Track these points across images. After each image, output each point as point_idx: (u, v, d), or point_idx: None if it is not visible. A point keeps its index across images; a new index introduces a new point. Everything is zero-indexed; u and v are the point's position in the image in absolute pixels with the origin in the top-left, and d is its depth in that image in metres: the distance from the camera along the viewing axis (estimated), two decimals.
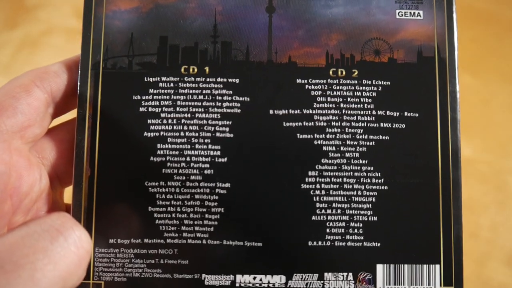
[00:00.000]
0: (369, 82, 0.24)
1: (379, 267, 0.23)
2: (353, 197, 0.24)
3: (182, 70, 0.24)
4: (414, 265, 0.23)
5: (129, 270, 0.23)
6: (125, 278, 0.23)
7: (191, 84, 0.24)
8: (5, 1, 0.48)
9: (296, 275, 0.23)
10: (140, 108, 0.24)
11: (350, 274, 0.23)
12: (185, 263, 0.23)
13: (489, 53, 0.44)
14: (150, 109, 0.24)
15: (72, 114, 0.25)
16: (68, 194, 0.25)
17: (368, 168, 0.24)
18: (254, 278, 0.23)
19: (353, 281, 0.23)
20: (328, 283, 0.23)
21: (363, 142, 0.24)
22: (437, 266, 0.23)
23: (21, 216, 0.23)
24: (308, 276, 0.23)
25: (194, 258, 0.23)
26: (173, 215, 0.23)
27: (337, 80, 0.24)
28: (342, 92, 0.24)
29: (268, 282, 0.23)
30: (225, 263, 0.23)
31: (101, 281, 0.23)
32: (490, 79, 0.44)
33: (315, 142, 0.24)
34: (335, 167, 0.24)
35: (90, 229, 0.23)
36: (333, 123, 0.24)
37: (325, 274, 0.23)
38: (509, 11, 0.47)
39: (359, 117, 0.24)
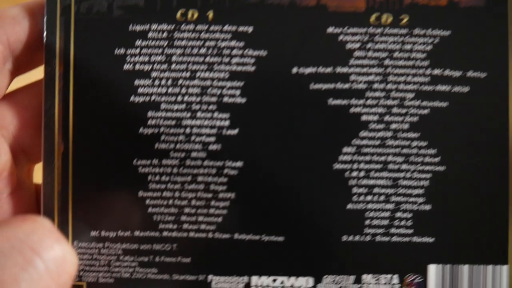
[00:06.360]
0: (423, 32, 0.21)
1: (432, 268, 0.21)
2: (400, 181, 0.21)
3: (178, 15, 0.21)
4: (475, 266, 0.20)
5: (116, 270, 0.21)
6: (112, 279, 0.21)
7: (190, 33, 0.21)
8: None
9: (327, 277, 0.21)
10: (125, 65, 0.21)
11: (395, 276, 0.21)
12: (186, 262, 0.21)
13: None
14: (137, 66, 0.21)
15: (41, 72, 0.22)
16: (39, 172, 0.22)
17: (420, 144, 0.21)
18: (274, 281, 0.21)
19: (399, 285, 0.21)
20: (368, 287, 0.21)
21: (413, 110, 0.21)
22: (504, 267, 0.20)
23: None
24: (342, 278, 0.21)
25: (198, 255, 0.21)
26: (170, 202, 0.21)
27: (380, 29, 0.21)
28: (387, 45, 0.21)
29: (292, 286, 0.21)
30: (237, 262, 0.21)
31: (82, 282, 0.21)
32: None
33: (352, 110, 0.21)
34: (377, 142, 0.21)
35: (66, 219, 0.21)
36: (375, 86, 0.21)
37: (364, 276, 0.21)
38: None
39: (409, 78, 0.21)
